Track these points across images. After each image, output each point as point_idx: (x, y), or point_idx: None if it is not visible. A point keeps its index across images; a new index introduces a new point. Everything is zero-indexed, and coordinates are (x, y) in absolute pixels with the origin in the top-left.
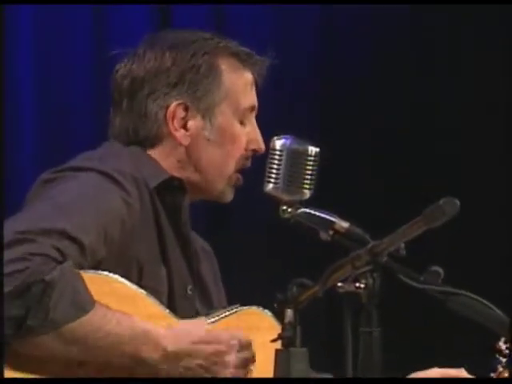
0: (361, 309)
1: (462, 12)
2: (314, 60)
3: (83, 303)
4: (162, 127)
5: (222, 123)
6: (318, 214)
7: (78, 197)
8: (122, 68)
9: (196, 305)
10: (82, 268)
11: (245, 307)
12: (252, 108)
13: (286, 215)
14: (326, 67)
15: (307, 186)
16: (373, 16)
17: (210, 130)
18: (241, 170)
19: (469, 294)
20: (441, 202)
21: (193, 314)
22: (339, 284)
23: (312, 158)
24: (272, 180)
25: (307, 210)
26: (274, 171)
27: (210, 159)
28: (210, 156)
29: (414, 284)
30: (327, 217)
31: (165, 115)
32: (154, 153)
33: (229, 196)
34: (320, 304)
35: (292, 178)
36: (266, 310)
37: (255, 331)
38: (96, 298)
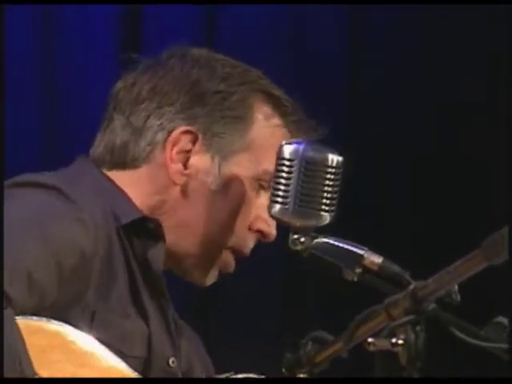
0: (398, 373)
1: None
2: (337, 62)
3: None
4: (156, 152)
5: (233, 176)
6: (341, 245)
7: (20, 223)
8: (129, 77)
9: None
10: (26, 309)
11: (240, 375)
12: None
13: (299, 246)
14: (354, 69)
15: (326, 208)
16: (406, 17)
17: (216, 178)
18: (237, 254)
19: None
20: (504, 229)
21: None
22: (370, 340)
23: (333, 170)
24: (279, 199)
25: (326, 240)
26: (282, 187)
27: (204, 214)
28: (206, 211)
29: (473, 341)
30: (354, 249)
31: (166, 139)
32: (132, 183)
33: (208, 279)
34: (344, 366)
35: (306, 197)
36: None
37: None
38: (41, 351)
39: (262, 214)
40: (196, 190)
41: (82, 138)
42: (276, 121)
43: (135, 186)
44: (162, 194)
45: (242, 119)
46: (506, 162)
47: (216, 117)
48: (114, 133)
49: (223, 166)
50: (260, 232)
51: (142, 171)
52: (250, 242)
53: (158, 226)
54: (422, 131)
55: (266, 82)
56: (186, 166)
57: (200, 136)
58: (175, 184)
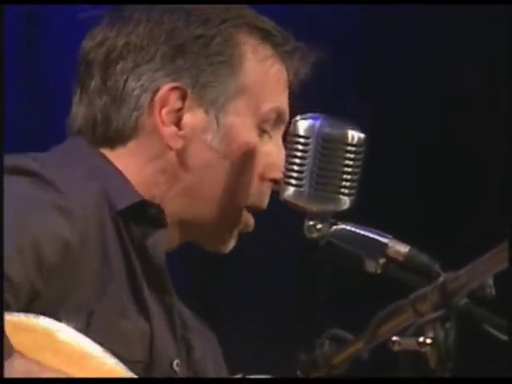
0: (426, 375)
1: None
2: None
3: None
4: (143, 117)
5: (234, 127)
6: (362, 232)
7: None
8: (96, 34)
9: None
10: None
11: (250, 377)
12: (279, 117)
13: (315, 234)
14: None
15: (346, 191)
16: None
17: (216, 134)
18: (254, 210)
19: None
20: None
21: None
22: (394, 338)
23: (353, 149)
24: (293, 181)
25: (346, 227)
26: (296, 168)
27: (209, 177)
28: (212, 172)
29: (510, 339)
30: (377, 237)
31: (151, 101)
32: (124, 157)
33: (229, 244)
34: (364, 368)
35: (323, 179)
36: None
37: None
38: (29, 353)
39: (270, 160)
40: (196, 151)
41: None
42: (267, 52)
43: (127, 161)
44: (159, 163)
45: (231, 61)
46: (506, 149)
47: (201, 66)
48: (91, 104)
49: (221, 119)
50: (273, 180)
51: (132, 143)
52: (265, 195)
53: (160, 210)
54: (422, 118)
55: (249, 14)
56: (179, 126)
57: (189, 91)
58: (171, 149)
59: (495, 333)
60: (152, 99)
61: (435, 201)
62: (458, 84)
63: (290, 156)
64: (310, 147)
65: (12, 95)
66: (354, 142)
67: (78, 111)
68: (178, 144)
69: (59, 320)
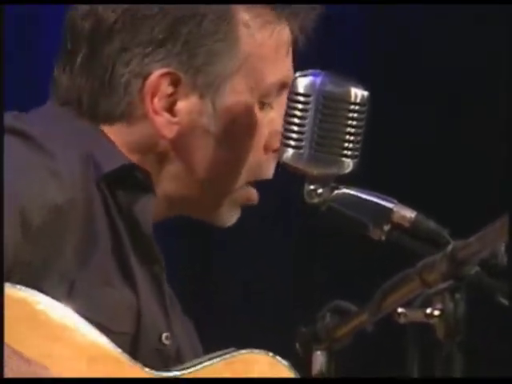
0: (435, 349)
1: None
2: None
3: None
4: (134, 105)
5: (232, 108)
6: (366, 197)
7: None
8: (82, 7)
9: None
10: None
11: (243, 351)
12: (282, 85)
13: (315, 199)
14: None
15: (348, 153)
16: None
17: (212, 118)
18: (257, 182)
19: None
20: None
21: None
22: (400, 310)
23: (356, 108)
24: (292, 143)
25: (349, 191)
26: (296, 129)
27: (207, 159)
28: (207, 158)
29: None
30: (381, 202)
31: (141, 87)
32: (109, 132)
33: (231, 219)
34: (369, 341)
35: (324, 140)
36: (278, 357)
37: None
38: (7, 323)
39: (274, 128)
40: (192, 137)
41: None
42: (266, 18)
43: (113, 137)
44: (150, 150)
45: (226, 39)
46: (506, 151)
47: (194, 48)
48: (76, 82)
49: (217, 101)
50: (277, 150)
51: (121, 125)
52: (269, 167)
53: (148, 175)
54: (423, 122)
55: None
56: (172, 112)
57: (181, 76)
58: (163, 137)
59: (508, 304)
60: (143, 84)
61: (435, 205)
62: (457, 86)
63: (288, 116)
64: (310, 106)
65: (12, 95)
66: (358, 100)
67: (62, 82)
68: (171, 132)
69: (41, 287)
